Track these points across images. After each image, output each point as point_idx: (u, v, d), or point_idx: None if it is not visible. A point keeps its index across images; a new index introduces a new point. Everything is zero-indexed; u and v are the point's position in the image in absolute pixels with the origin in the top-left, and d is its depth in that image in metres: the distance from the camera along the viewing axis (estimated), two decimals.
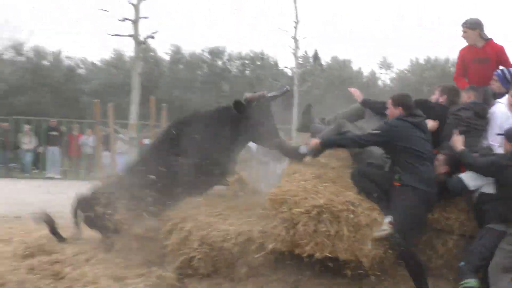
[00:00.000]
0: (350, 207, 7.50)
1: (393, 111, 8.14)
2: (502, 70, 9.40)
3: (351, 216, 7.39)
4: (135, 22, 13.30)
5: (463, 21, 9.84)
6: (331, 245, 7.35)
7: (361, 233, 7.39)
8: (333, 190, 7.85)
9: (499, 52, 9.78)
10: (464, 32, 9.81)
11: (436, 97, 9.18)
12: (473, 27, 9.78)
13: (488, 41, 9.81)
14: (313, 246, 7.37)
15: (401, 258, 7.45)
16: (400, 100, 8.14)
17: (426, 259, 7.90)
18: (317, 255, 7.38)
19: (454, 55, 10.16)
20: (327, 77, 36.30)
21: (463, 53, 10.04)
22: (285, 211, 7.50)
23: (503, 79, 9.24)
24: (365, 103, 9.44)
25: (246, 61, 38.12)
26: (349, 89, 9.46)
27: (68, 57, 39.00)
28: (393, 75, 37.73)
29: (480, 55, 9.77)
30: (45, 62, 37.88)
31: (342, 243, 7.36)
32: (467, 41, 9.88)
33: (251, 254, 7.87)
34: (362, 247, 7.38)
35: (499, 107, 8.58)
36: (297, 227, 7.37)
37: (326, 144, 8.45)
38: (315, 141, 8.38)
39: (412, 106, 8.14)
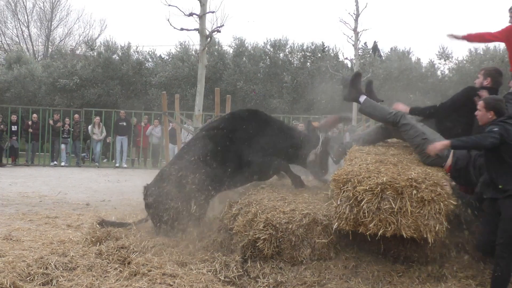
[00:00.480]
0: (413, 183, 7.38)
1: (484, 115, 7.81)
2: None
3: (415, 192, 7.25)
4: (201, 17, 13.24)
5: (510, 6, 9.72)
6: (395, 222, 7.24)
7: (426, 209, 7.25)
8: (395, 170, 7.72)
9: None
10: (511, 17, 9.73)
11: (480, 81, 8.99)
12: None
13: None
14: (377, 223, 7.30)
15: (500, 270, 7.17)
16: (493, 105, 7.79)
17: None
18: (381, 232, 7.28)
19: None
20: (386, 68, 35.85)
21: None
22: (349, 189, 7.49)
23: None
24: (413, 111, 9.24)
25: (308, 53, 37.95)
26: (394, 105, 9.25)
27: (136, 51, 39.37)
28: (452, 65, 37.01)
29: None
30: (115, 56, 38.24)
31: (406, 219, 7.29)
32: None
33: (315, 236, 7.83)
34: (428, 222, 7.23)
35: None
36: (361, 204, 7.30)
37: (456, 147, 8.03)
38: (445, 143, 7.97)
39: (504, 112, 7.80)
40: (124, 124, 30.75)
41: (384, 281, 7.67)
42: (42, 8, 51.54)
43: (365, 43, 38.15)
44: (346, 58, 35.74)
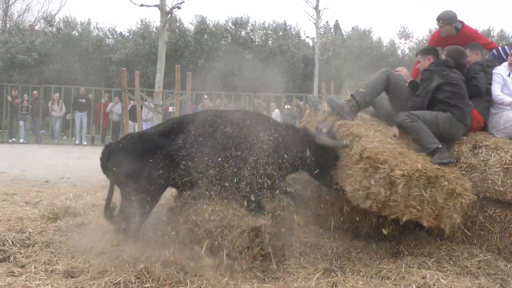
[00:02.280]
0: (444, 174, 7.35)
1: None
2: (497, 49, 9.72)
3: (446, 183, 7.24)
4: None
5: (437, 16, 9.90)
6: (419, 210, 7.21)
7: (452, 201, 7.25)
8: (420, 157, 7.75)
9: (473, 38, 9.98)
10: (441, 27, 9.88)
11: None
12: (449, 22, 9.84)
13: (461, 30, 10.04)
14: (402, 209, 7.25)
15: None
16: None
17: None
18: (405, 218, 7.27)
19: (470, 24, 10.01)
20: (347, 47, 36.05)
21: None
22: (386, 171, 7.27)
23: (499, 57, 9.58)
24: (411, 84, 9.26)
25: (269, 31, 38.06)
26: (397, 69, 9.23)
27: (96, 28, 39.17)
28: (412, 44, 37.37)
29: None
30: (75, 32, 38.04)
31: (432, 209, 7.21)
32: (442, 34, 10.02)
33: None
34: (451, 215, 7.26)
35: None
36: (397, 189, 7.19)
37: None
38: None
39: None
40: (84, 101, 30.60)
41: (343, 258, 7.73)
42: None
43: (326, 22, 38.32)
44: (308, 37, 35.89)
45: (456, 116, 8.23)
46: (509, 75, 8.97)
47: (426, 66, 8.80)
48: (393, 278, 6.94)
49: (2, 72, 35.99)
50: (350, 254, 7.81)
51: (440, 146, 7.90)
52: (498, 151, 7.90)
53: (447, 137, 8.24)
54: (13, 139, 30.00)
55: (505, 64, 9.15)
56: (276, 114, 28.86)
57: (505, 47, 9.76)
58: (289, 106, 29.28)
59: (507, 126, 8.57)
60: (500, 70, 9.04)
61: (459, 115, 8.25)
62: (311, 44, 35.87)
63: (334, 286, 6.72)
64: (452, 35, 9.98)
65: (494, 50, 9.79)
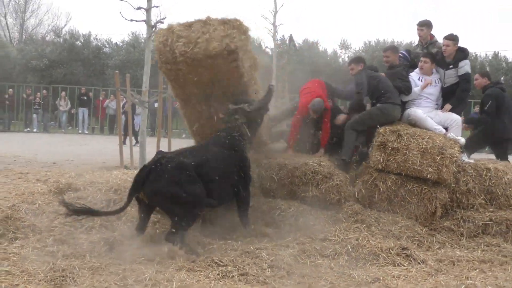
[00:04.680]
0: None
1: None
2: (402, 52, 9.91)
3: None
4: (147, 10, 13.06)
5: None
6: None
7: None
8: None
9: None
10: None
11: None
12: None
13: None
14: None
15: None
16: None
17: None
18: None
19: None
20: (299, 55, 36.13)
21: None
22: None
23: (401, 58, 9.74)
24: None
25: None
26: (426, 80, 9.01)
27: (96, 38, 39.01)
28: (351, 54, 37.55)
29: None
30: (78, 42, 37.90)
31: None
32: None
33: None
34: None
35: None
36: None
37: None
38: None
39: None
40: (85, 98, 30.66)
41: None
42: (17, 1, 50.39)
43: (283, 36, 38.24)
44: (267, 47, 35.89)
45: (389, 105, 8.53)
46: (419, 79, 8.98)
47: (358, 71, 8.93)
48: (333, 240, 6.97)
49: (19, 74, 35.73)
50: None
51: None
52: (416, 138, 7.97)
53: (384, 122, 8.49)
54: (28, 129, 29.85)
55: (416, 70, 9.15)
56: None
57: (403, 51, 9.96)
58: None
59: (409, 119, 8.69)
60: (413, 75, 9.08)
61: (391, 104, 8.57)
62: (270, 53, 35.84)
63: (287, 247, 6.74)
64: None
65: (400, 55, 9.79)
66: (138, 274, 5.44)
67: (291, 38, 39.32)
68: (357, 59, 9.38)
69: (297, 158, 8.49)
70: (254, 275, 5.66)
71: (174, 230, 6.37)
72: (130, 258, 5.94)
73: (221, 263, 5.93)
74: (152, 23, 13.17)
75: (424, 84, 8.82)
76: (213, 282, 5.47)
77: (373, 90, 8.67)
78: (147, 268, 5.63)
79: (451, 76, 9.04)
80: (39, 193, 8.87)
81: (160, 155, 6.79)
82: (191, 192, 6.48)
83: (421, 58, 9.04)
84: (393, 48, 9.71)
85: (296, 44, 39.40)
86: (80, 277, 5.38)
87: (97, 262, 5.77)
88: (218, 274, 5.68)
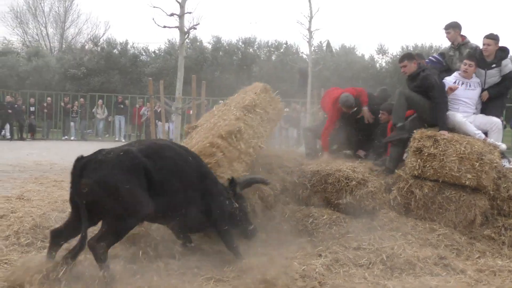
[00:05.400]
0: None
1: None
2: (430, 58, 9.69)
3: None
4: (180, 17, 13.06)
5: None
6: None
7: None
8: None
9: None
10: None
11: None
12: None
13: None
14: None
15: None
16: None
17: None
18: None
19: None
20: (335, 61, 35.89)
21: None
22: None
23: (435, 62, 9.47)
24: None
25: (272, 49, 38.21)
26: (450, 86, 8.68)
27: (132, 47, 39.39)
28: (388, 59, 37.16)
29: None
30: (115, 51, 38.32)
31: None
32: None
33: None
34: None
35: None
36: None
37: None
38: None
39: None
40: (122, 106, 30.89)
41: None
42: (57, 11, 51.25)
43: (320, 42, 38.10)
44: (302, 53, 35.76)
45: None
46: (455, 82, 8.64)
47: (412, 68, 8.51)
48: (367, 249, 6.76)
49: (58, 83, 36.19)
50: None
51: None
52: (454, 143, 7.69)
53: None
54: (66, 136, 30.18)
55: (455, 74, 8.80)
56: None
57: (435, 55, 9.76)
58: (288, 109, 29.17)
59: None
60: (448, 79, 8.73)
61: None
62: (306, 59, 35.70)
63: (319, 256, 6.57)
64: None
65: (429, 60, 9.60)
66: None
67: (328, 43, 39.16)
68: (410, 55, 8.75)
69: (330, 164, 8.30)
70: (284, 286, 5.47)
71: (102, 236, 5.29)
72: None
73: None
74: (185, 29, 13.17)
75: (448, 89, 8.48)
76: None
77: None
78: (174, 279, 5.50)
79: (493, 76, 8.73)
80: None
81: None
82: (134, 192, 5.38)
83: (465, 61, 8.56)
84: (408, 56, 8.76)
85: (333, 49, 39.20)
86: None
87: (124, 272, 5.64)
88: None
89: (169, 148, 5.98)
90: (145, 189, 5.46)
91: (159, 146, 5.91)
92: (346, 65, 35.59)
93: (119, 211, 5.29)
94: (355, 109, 9.34)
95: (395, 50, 56.60)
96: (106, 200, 5.27)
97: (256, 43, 38.54)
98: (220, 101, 29.64)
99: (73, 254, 5.25)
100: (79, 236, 5.27)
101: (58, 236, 5.51)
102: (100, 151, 5.57)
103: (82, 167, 5.41)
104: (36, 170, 14.66)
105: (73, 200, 5.47)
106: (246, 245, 6.83)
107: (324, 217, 7.66)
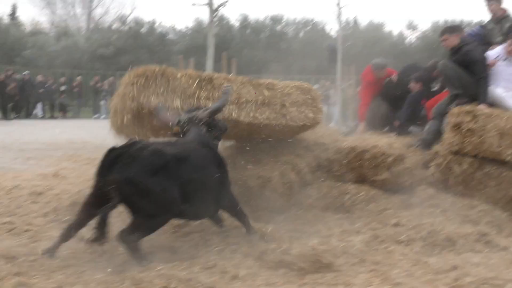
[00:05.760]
0: None
1: None
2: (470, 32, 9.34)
3: None
4: None
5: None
6: None
7: None
8: None
9: None
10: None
11: None
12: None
13: None
14: None
15: None
16: None
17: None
18: None
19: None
20: (364, 38, 35.52)
21: None
22: None
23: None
24: None
25: (300, 26, 38.01)
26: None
27: (160, 25, 39.45)
28: (418, 34, 36.74)
29: None
30: (143, 30, 38.41)
31: None
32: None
33: None
34: None
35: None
36: None
37: None
38: None
39: None
40: None
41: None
42: None
43: (347, 18, 37.79)
44: (331, 29, 35.50)
45: None
46: (497, 57, 8.34)
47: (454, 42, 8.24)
48: (406, 226, 6.66)
49: (87, 62, 36.40)
50: None
51: None
52: (493, 118, 7.52)
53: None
54: (96, 115, 30.39)
55: (498, 48, 8.43)
56: None
57: (473, 29, 9.55)
58: (318, 86, 29.06)
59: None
60: (490, 54, 8.31)
61: None
62: (334, 36, 35.40)
63: (358, 233, 6.49)
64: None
65: (469, 33, 9.24)
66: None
67: (355, 20, 38.82)
68: (453, 28, 8.46)
69: (367, 140, 8.19)
70: (328, 262, 5.40)
71: (133, 230, 5.14)
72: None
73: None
74: (214, 6, 13.09)
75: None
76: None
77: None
78: (214, 255, 5.46)
79: None
80: None
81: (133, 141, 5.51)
82: (168, 190, 5.25)
83: (510, 42, 8.08)
84: (449, 30, 8.44)
85: (361, 26, 38.83)
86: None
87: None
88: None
89: (197, 150, 5.79)
90: (176, 190, 5.31)
91: (190, 148, 5.75)
92: (375, 41, 35.22)
93: (150, 211, 5.20)
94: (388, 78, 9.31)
95: (425, 26, 55.97)
96: (136, 199, 5.15)
97: (284, 20, 38.38)
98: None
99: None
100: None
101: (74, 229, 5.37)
102: (134, 143, 5.35)
103: (113, 160, 5.17)
104: (69, 148, 14.77)
105: (95, 191, 5.27)
106: (284, 222, 6.80)
107: (361, 194, 7.57)
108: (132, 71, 6.63)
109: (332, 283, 4.91)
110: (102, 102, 30.64)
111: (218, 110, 6.29)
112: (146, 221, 5.22)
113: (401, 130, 8.95)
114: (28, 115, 28.51)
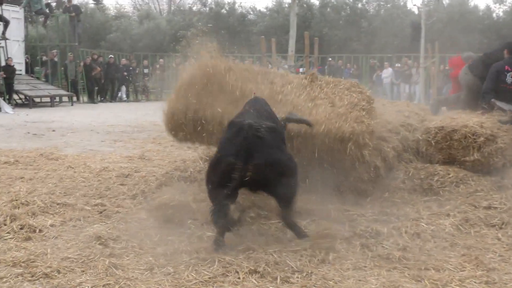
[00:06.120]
0: None
1: None
2: None
3: None
4: None
5: None
6: None
7: None
8: None
9: None
10: None
11: None
12: None
13: None
14: None
15: None
16: None
17: None
18: None
19: None
20: (448, 13, 34.40)
21: None
22: None
23: None
24: None
25: (381, 2, 37.28)
26: None
27: (240, 6, 39.68)
28: (506, 8, 35.22)
29: None
30: (223, 11, 38.63)
31: None
32: None
33: None
34: None
35: None
36: None
37: None
38: None
39: None
40: None
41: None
42: None
43: None
44: (414, 5, 34.61)
45: None
46: None
47: None
48: (499, 208, 6.40)
49: (168, 44, 36.92)
50: None
51: None
52: None
53: None
54: None
55: None
56: (389, 72, 28.10)
57: None
58: (399, 65, 28.51)
59: None
60: None
61: None
62: (416, 12, 34.51)
63: (447, 215, 6.30)
64: None
65: None
66: None
67: None
68: None
69: (456, 119, 7.92)
70: (416, 247, 5.27)
71: (289, 209, 5.31)
72: None
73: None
74: None
75: None
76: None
77: None
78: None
79: None
80: (190, 160, 8.97)
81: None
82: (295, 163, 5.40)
83: None
84: None
85: (445, 1, 37.66)
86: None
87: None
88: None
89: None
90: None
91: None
92: (459, 16, 34.07)
93: (293, 185, 5.29)
94: None
95: None
96: (279, 180, 5.13)
97: None
98: (329, 58, 29.44)
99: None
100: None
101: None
102: (250, 127, 5.12)
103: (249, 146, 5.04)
104: (154, 130, 15.02)
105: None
106: (370, 205, 6.68)
107: (450, 175, 7.33)
108: (194, 67, 6.77)
109: (422, 267, 4.77)
110: None
111: (294, 120, 6.35)
112: (293, 196, 5.29)
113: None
114: (113, 98, 29.21)
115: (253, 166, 4.96)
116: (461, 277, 4.56)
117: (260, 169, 4.98)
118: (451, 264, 4.86)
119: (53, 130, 15.06)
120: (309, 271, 4.61)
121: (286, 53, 17.20)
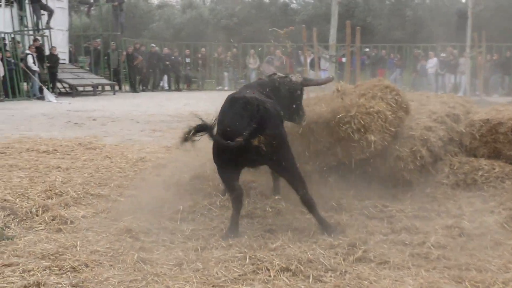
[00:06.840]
0: None
1: None
2: None
3: None
4: None
5: None
6: None
7: None
8: None
9: None
10: None
11: None
12: None
13: None
14: None
15: None
16: None
17: None
18: None
19: None
20: (496, 1, 33.56)
21: None
22: None
23: None
24: None
25: None
26: None
27: None
28: None
29: None
30: (266, 0, 38.56)
31: None
32: None
33: None
34: None
35: None
36: None
37: None
38: None
39: None
40: (272, 58, 30.85)
41: None
42: None
43: None
44: None
45: None
46: None
47: None
48: None
49: (211, 33, 36.95)
50: None
51: None
52: None
53: None
54: (219, 87, 30.74)
55: None
56: (434, 62, 27.58)
57: None
58: (444, 54, 27.91)
59: None
60: None
61: None
62: (463, 0, 33.78)
63: (492, 212, 6.04)
64: None
65: None
66: None
67: None
68: None
69: (502, 112, 7.61)
70: (456, 246, 5.04)
71: (305, 190, 5.27)
72: None
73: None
74: None
75: None
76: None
77: None
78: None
79: None
80: None
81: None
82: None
83: None
84: None
85: None
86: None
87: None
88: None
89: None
90: None
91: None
92: (509, 5, 33.19)
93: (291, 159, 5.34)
94: None
95: None
96: (280, 152, 5.28)
97: None
98: (366, 49, 28.97)
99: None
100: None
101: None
102: (257, 102, 5.30)
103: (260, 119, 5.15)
104: (193, 120, 14.95)
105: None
106: (410, 200, 6.46)
107: (496, 170, 7.03)
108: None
109: (463, 268, 4.55)
110: (225, 74, 30.99)
111: (310, 83, 6.43)
112: (294, 166, 5.34)
113: None
114: (155, 87, 29.36)
115: (265, 137, 5.08)
116: (504, 279, 4.32)
117: (269, 140, 5.10)
118: (494, 265, 4.62)
119: (94, 119, 15.16)
120: (343, 270, 4.44)
121: (328, 42, 16.88)
